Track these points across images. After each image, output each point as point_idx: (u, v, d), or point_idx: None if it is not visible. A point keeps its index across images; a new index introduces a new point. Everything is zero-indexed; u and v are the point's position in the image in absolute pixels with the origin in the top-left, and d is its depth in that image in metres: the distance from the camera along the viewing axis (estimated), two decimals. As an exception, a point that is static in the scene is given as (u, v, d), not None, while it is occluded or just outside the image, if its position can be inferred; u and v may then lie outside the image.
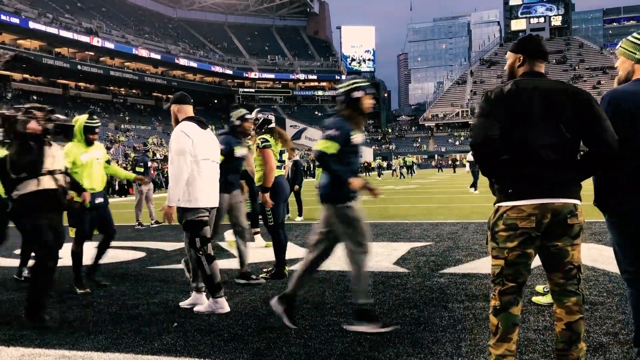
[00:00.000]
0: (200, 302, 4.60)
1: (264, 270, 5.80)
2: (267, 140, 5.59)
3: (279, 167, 5.78)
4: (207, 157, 4.50)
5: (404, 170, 40.08)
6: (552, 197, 2.52)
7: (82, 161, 5.47)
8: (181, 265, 5.57)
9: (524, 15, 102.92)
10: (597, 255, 6.09)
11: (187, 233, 4.46)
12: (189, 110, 4.60)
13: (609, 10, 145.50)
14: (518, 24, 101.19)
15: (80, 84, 66.10)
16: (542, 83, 2.64)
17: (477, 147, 2.61)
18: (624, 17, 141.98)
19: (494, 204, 2.68)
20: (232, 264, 6.10)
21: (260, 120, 5.92)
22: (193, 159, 4.37)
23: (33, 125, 4.29)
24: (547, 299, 4.18)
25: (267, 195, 5.49)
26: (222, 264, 6.08)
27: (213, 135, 4.71)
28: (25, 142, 4.26)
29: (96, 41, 61.82)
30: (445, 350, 3.31)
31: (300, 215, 11.80)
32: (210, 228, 4.61)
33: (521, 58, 2.77)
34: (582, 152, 2.67)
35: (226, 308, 4.42)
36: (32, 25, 54.70)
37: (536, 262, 2.79)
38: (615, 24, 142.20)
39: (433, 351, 3.31)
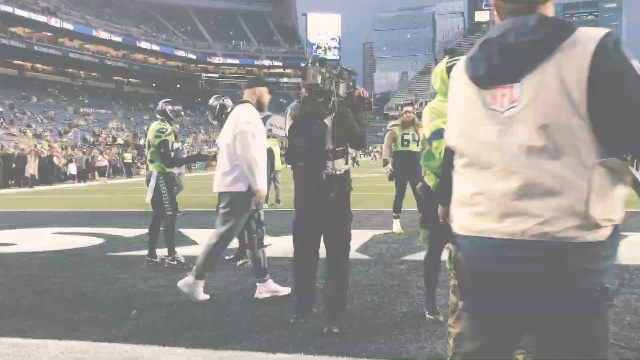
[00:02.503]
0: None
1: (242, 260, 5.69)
2: None
3: None
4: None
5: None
6: None
7: None
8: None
9: (487, 7, 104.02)
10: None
11: None
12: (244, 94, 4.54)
13: (569, 5, 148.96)
14: (482, 16, 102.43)
15: (37, 65, 63.76)
16: None
17: None
18: (583, 12, 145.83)
19: None
20: (192, 250, 6.01)
21: (217, 108, 5.70)
22: None
23: (362, 90, 3.81)
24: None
25: None
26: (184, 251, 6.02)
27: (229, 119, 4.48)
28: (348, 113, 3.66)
29: (54, 21, 59.75)
30: (405, 336, 3.35)
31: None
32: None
33: None
34: None
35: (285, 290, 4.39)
36: (-16, 2, 52.56)
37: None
38: (575, 18, 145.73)
39: (393, 336, 3.35)
